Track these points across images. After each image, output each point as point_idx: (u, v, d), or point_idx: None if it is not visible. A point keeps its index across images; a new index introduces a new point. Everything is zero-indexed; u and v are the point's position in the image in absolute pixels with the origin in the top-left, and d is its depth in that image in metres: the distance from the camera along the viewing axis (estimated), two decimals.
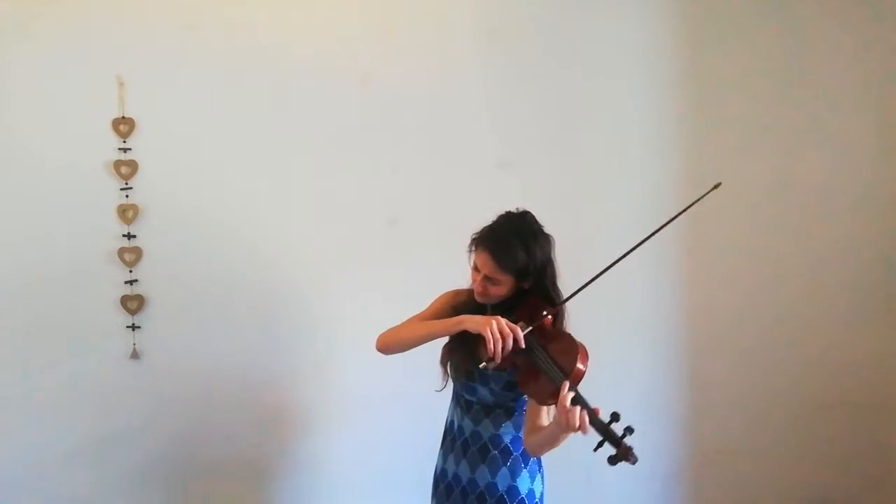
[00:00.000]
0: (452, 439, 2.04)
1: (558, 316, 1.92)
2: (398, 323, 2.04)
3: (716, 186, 1.87)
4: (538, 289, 1.92)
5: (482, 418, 1.97)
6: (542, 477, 2.03)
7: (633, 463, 1.66)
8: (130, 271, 2.52)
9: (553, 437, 1.80)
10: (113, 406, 2.54)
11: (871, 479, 2.93)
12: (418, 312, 2.06)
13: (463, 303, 2.01)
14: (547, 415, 1.90)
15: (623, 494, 2.85)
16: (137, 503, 2.57)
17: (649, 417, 2.83)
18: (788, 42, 2.81)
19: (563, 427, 1.70)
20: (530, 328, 1.82)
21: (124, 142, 2.50)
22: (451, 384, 2.05)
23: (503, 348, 1.76)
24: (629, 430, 1.67)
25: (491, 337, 1.76)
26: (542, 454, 1.95)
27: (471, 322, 1.84)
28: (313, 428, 2.66)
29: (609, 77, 2.76)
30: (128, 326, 2.53)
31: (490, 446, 1.96)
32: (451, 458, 2.02)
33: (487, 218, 1.95)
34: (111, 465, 2.55)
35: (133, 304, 2.53)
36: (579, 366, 1.76)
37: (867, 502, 2.94)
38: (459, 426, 2.01)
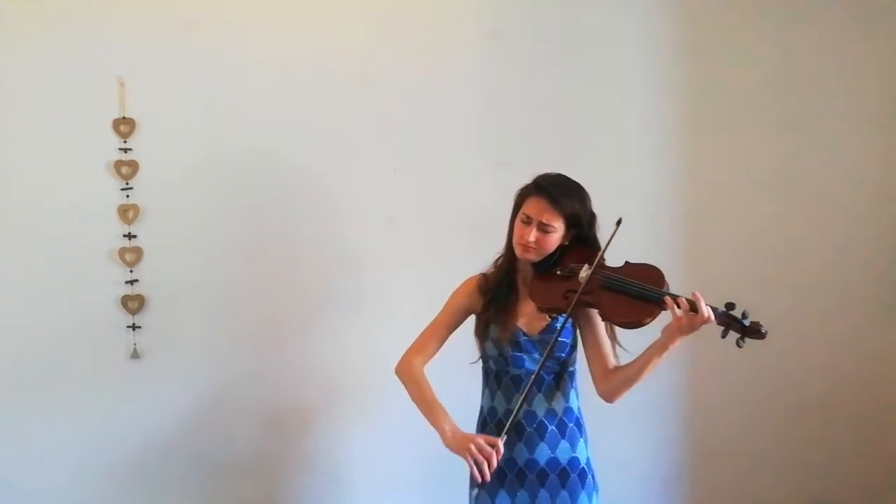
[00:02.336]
0: (498, 425, 1.93)
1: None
2: (417, 336, 2.02)
3: (618, 223, 1.84)
4: (579, 241, 1.93)
5: (535, 394, 1.91)
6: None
7: (765, 335, 1.70)
8: (130, 271, 2.52)
9: (649, 360, 1.81)
10: (113, 406, 2.54)
11: (871, 480, 2.92)
12: (434, 319, 2.01)
13: (493, 287, 1.97)
14: (614, 354, 1.93)
15: (623, 494, 2.85)
16: (138, 503, 2.57)
17: (649, 417, 2.83)
18: (789, 42, 2.81)
19: (685, 327, 1.72)
20: (594, 265, 1.82)
21: (124, 142, 2.50)
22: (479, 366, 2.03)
23: (490, 467, 1.76)
24: (745, 312, 1.72)
25: (472, 462, 1.76)
26: (624, 393, 1.90)
27: (449, 443, 1.85)
28: (316, 426, 2.65)
29: (609, 77, 2.76)
30: (128, 326, 2.53)
31: (546, 422, 1.93)
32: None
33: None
34: (111, 465, 2.54)
35: (133, 304, 2.52)
36: (664, 278, 1.80)
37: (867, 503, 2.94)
38: (507, 410, 1.92)
